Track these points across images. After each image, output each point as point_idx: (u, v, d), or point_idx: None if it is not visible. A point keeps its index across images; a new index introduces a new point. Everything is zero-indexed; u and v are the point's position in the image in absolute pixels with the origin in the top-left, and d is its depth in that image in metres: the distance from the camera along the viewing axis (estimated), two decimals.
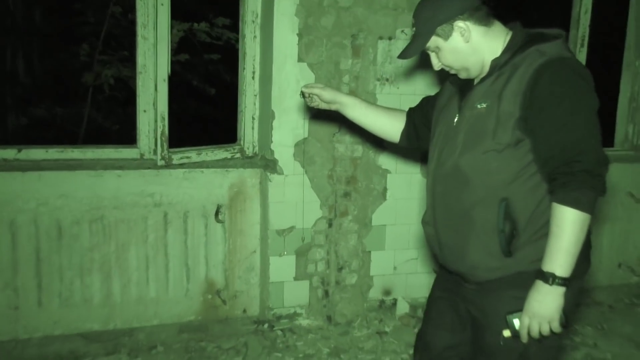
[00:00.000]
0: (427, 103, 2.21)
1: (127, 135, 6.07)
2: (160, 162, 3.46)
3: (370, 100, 3.55)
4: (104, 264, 3.42)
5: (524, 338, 1.75)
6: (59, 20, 5.73)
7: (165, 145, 3.46)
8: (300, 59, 3.43)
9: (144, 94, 3.52)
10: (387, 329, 3.64)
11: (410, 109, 2.27)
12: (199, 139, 3.96)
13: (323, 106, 2.25)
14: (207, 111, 6.86)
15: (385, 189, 3.72)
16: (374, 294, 3.81)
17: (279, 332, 3.53)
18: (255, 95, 3.72)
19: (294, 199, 3.53)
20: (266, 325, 3.57)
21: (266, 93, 3.57)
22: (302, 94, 2.25)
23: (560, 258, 1.64)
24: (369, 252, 3.75)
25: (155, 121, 3.50)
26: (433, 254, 2.07)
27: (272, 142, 3.47)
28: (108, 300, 3.46)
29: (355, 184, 3.66)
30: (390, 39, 3.56)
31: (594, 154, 1.64)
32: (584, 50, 4.42)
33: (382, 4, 3.51)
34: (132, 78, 4.75)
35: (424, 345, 2.16)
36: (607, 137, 4.97)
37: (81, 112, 5.31)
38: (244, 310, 3.73)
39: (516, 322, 1.75)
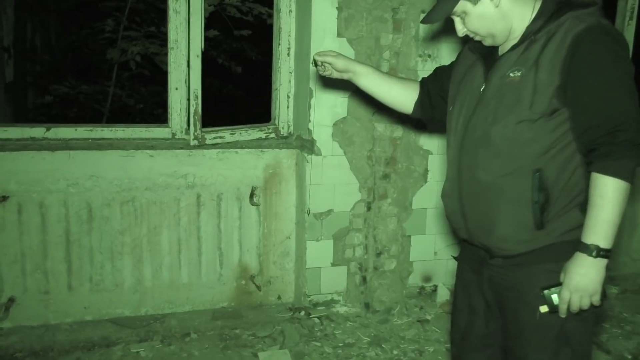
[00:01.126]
0: (443, 72, 2.11)
1: (149, 113, 5.96)
2: (193, 142, 3.32)
3: (412, 77, 3.37)
4: (135, 247, 3.30)
5: (564, 313, 1.68)
6: None
7: (199, 125, 3.31)
8: (339, 34, 3.25)
9: (175, 71, 3.36)
10: (428, 317, 3.49)
11: (424, 79, 2.17)
12: (224, 118, 3.78)
13: (335, 75, 2.14)
14: (230, 90, 6.70)
15: (426, 171, 3.55)
16: (414, 280, 3.66)
17: (316, 320, 3.39)
18: (291, 73, 3.55)
19: (332, 181, 3.38)
20: (303, 313, 3.43)
21: (303, 70, 3.40)
22: (315, 62, 2.13)
23: (604, 229, 1.59)
24: (409, 236, 3.59)
25: (188, 99, 3.36)
26: (454, 228, 1.96)
27: (309, 121, 3.30)
28: (139, 285, 3.35)
29: (395, 166, 3.49)
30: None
31: (635, 123, 1.58)
32: (633, 23, 4.19)
33: None
34: (159, 54, 4.62)
35: (461, 336, 2.04)
36: None
37: (105, 90, 5.17)
38: (279, 297, 3.60)
39: (554, 297, 1.67)
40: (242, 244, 3.48)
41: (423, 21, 1.83)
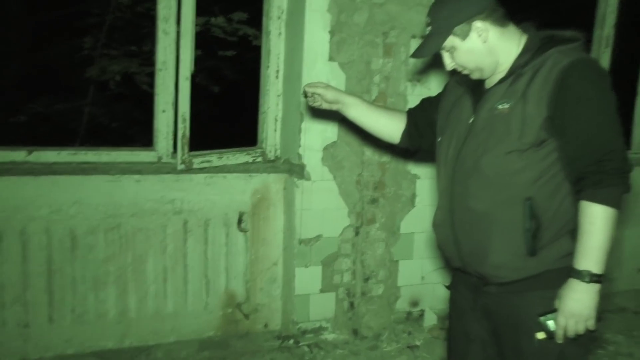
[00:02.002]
0: (430, 104, 2.16)
1: (123, 133, 5.83)
2: (181, 167, 3.23)
3: (401, 102, 3.37)
4: (119, 276, 3.19)
5: (560, 338, 1.72)
6: (55, 11, 5.42)
7: (187, 149, 3.23)
8: (331, 58, 3.23)
9: (163, 93, 3.28)
10: (417, 343, 3.47)
11: (410, 109, 2.23)
12: (203, 141, 3.68)
13: (325, 106, 2.18)
14: (206, 110, 6.59)
15: (414, 195, 3.54)
16: (401, 305, 3.64)
17: (306, 348, 3.33)
18: (279, 96, 3.51)
19: (321, 206, 3.34)
20: (291, 341, 3.37)
21: (292, 94, 3.36)
22: (305, 93, 2.17)
23: (595, 255, 1.64)
24: (397, 261, 3.57)
25: (175, 122, 3.28)
26: (447, 257, 2.00)
27: (300, 145, 3.26)
28: (123, 315, 3.23)
29: (383, 190, 3.47)
30: (423, 37, 3.37)
31: (622, 153, 1.66)
32: (608, 50, 4.29)
33: (416, 1, 3.32)
34: (139, 74, 4.52)
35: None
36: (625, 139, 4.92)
37: (79, 109, 5.03)
38: (266, 325, 3.53)
39: (550, 324, 1.71)
40: (229, 271, 3.40)
41: (413, 55, 1.90)
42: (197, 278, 3.34)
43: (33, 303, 3.06)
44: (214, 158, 3.36)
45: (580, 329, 1.68)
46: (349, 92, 3.24)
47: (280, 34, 3.45)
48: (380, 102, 3.35)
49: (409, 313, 3.66)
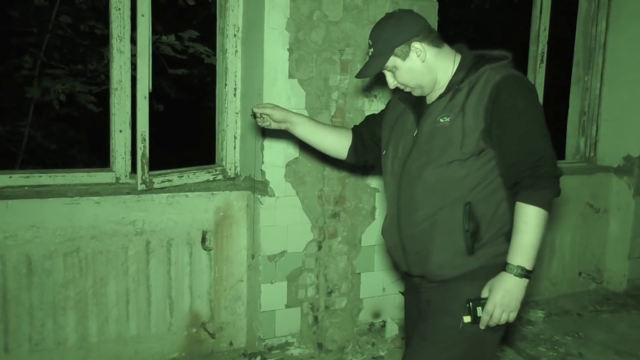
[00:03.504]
0: (374, 119, 2.31)
1: (64, 154, 5.63)
2: (141, 187, 3.18)
3: (359, 117, 3.44)
4: (79, 301, 3.09)
5: (484, 325, 1.84)
6: None
7: (146, 168, 3.18)
8: (290, 75, 3.27)
9: (119, 112, 3.22)
10: (382, 353, 3.52)
11: (355, 126, 2.36)
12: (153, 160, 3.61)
13: (274, 126, 2.28)
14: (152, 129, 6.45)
15: (374, 208, 3.62)
16: (364, 317, 3.69)
17: None
18: (237, 113, 3.51)
19: (285, 222, 3.35)
20: (258, 358, 3.34)
21: (249, 111, 3.36)
22: (253, 114, 2.26)
23: (528, 252, 1.79)
24: (359, 274, 3.62)
25: (132, 142, 3.23)
26: (395, 262, 2.12)
27: (263, 162, 3.27)
28: (84, 341, 3.12)
29: (343, 204, 3.53)
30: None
31: (552, 158, 1.82)
32: (543, 65, 4.56)
33: (369, 19, 3.42)
34: (85, 93, 4.41)
35: None
36: (557, 149, 5.21)
37: (17, 131, 4.82)
38: (231, 343, 3.49)
39: (479, 309, 1.84)
40: (193, 290, 3.35)
41: (357, 76, 2.05)
42: (160, 299, 3.27)
43: None
44: (175, 177, 3.32)
45: (504, 318, 1.82)
46: (309, 107, 3.31)
47: (236, 51, 3.47)
48: (339, 118, 3.42)
49: (372, 324, 3.71)
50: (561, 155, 5.05)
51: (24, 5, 4.67)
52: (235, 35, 3.44)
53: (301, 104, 3.30)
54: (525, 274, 1.79)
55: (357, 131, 2.34)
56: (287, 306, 3.42)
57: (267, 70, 3.22)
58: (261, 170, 3.29)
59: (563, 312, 4.36)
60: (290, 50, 3.25)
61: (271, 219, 3.31)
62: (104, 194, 3.10)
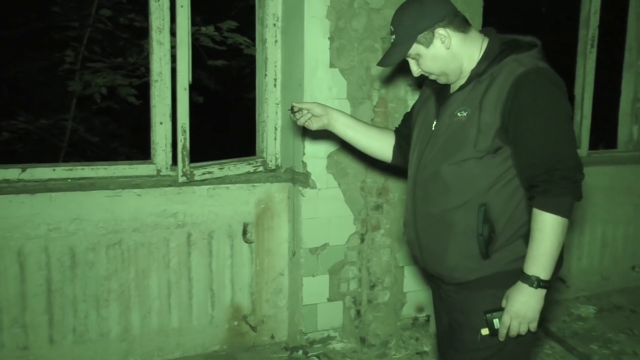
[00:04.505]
0: (410, 116, 2.20)
1: (105, 147, 5.69)
2: (182, 179, 3.16)
3: (402, 107, 3.36)
4: (122, 293, 3.09)
5: (503, 337, 1.79)
6: (32, 24, 5.26)
7: (187, 160, 3.16)
8: (332, 65, 3.20)
9: (160, 105, 3.20)
10: (426, 349, 3.44)
11: (396, 128, 2.26)
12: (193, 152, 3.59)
13: (315, 125, 2.17)
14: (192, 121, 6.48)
15: None
16: (407, 311, 3.60)
17: (315, 359, 3.27)
18: (277, 104, 3.46)
19: (327, 214, 3.29)
20: (300, 352, 3.30)
21: (292, 101, 3.30)
22: (292, 110, 2.16)
23: (543, 262, 1.71)
24: (402, 267, 3.54)
25: (173, 134, 3.21)
26: (413, 257, 2.07)
27: (304, 153, 3.21)
28: (127, 333, 3.13)
29: (386, 196, 3.45)
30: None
31: (572, 161, 1.71)
32: (594, 50, 4.36)
33: None
34: (126, 86, 4.42)
35: (441, 350, 2.14)
36: (610, 138, 5.01)
37: (61, 124, 4.88)
38: (272, 336, 3.46)
39: (496, 322, 1.79)
40: (234, 283, 3.33)
41: (379, 64, 1.93)
42: (202, 291, 3.25)
43: (32, 324, 2.95)
44: (215, 169, 3.29)
45: (523, 329, 1.76)
46: (351, 97, 3.23)
47: (276, 41, 3.41)
48: (382, 108, 3.33)
49: (415, 319, 3.63)
50: (613, 144, 4.85)
51: (65, 0, 4.73)
52: (274, 25, 3.38)
53: (342, 94, 3.22)
54: (541, 284, 1.72)
55: (398, 131, 2.24)
56: (329, 300, 3.37)
57: (308, 60, 3.15)
58: (302, 161, 3.23)
59: (615, 308, 4.20)
60: (331, 39, 3.18)
61: (313, 211, 3.25)
62: (145, 187, 3.09)
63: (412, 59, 1.89)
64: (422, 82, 3.18)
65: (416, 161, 1.94)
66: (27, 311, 2.93)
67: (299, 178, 3.28)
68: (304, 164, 3.23)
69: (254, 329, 3.35)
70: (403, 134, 2.20)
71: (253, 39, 3.65)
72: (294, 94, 3.28)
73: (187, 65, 3.12)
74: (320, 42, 3.16)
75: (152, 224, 3.10)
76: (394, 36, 1.85)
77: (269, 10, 3.37)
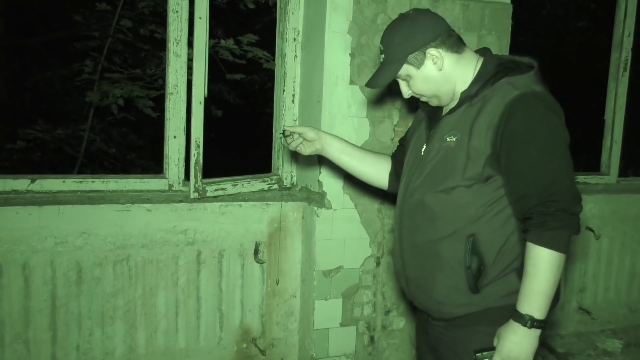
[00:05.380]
0: (405, 141, 2.12)
1: (122, 158, 5.65)
2: (194, 195, 3.07)
3: None
4: (128, 310, 3.00)
5: None
6: (52, 34, 5.28)
7: (200, 176, 3.07)
8: (352, 82, 3.09)
9: (174, 118, 3.13)
10: None
11: (392, 153, 2.20)
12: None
13: (306, 151, 2.08)
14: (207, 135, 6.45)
15: None
16: None
17: None
18: (295, 120, 3.36)
19: (342, 235, 3.17)
20: None
21: (309, 118, 3.22)
22: (283, 133, 2.07)
23: (538, 300, 1.61)
24: None
25: (187, 148, 3.13)
26: (401, 288, 1.99)
27: (320, 172, 3.11)
28: (132, 352, 3.03)
29: None
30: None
31: (569, 193, 1.60)
32: (627, 74, 4.21)
33: None
34: (143, 98, 4.37)
35: None
36: None
37: (77, 134, 4.85)
38: None
39: None
40: (244, 304, 3.22)
41: (367, 85, 1.84)
42: (210, 312, 3.15)
43: (35, 341, 2.86)
44: (229, 185, 3.20)
45: None
46: (370, 116, 3.13)
47: (295, 56, 3.33)
48: (402, 127, 3.21)
49: None
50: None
51: (88, 10, 4.71)
52: (295, 39, 3.30)
53: (362, 112, 3.12)
54: (535, 324, 1.61)
55: (394, 157, 2.15)
56: (341, 325, 3.24)
57: (327, 76, 3.05)
58: (318, 180, 3.12)
59: None
60: (352, 55, 3.08)
61: (327, 232, 3.14)
62: (156, 202, 3.01)
63: (403, 80, 1.80)
64: None
65: (403, 188, 1.86)
66: (30, 327, 2.84)
67: (314, 197, 3.17)
68: (320, 183, 3.12)
69: (263, 352, 3.23)
70: (399, 160, 2.09)
71: (273, 53, 3.57)
72: (312, 111, 3.18)
73: (204, 78, 3.05)
74: (341, 57, 3.06)
75: (161, 241, 3.01)
76: (383, 55, 1.77)
77: (290, 24, 3.29)
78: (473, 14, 3.24)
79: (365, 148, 2.22)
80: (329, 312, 3.20)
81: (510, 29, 3.35)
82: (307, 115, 3.25)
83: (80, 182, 3.04)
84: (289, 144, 2.08)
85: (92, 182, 3.06)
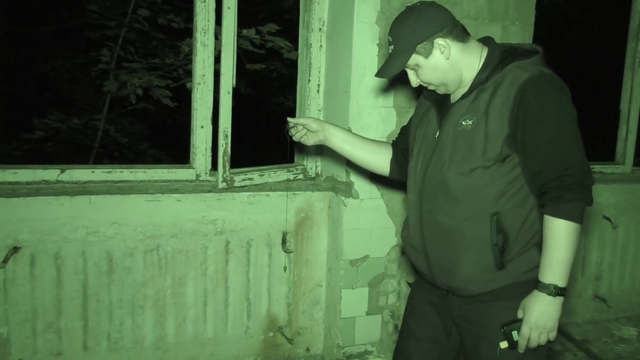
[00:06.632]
0: (407, 130, 2.18)
1: (134, 148, 5.64)
2: (222, 185, 3.08)
3: None
4: (158, 300, 3.01)
5: (522, 349, 1.77)
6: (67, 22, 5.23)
7: (228, 166, 3.08)
8: None
9: (201, 108, 3.13)
10: None
11: (394, 140, 2.25)
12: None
13: (311, 141, 2.16)
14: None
15: None
16: None
17: None
18: (320, 111, 3.37)
19: (369, 225, 3.19)
20: None
21: (335, 108, 3.23)
22: (287, 124, 2.13)
23: (560, 269, 1.69)
24: None
25: (213, 139, 3.14)
26: (419, 272, 2.04)
27: (347, 162, 3.12)
28: (161, 341, 3.05)
29: None
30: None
31: (582, 166, 1.69)
32: None
33: (463, 13, 3.21)
34: (161, 88, 4.37)
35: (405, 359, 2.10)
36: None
37: (92, 124, 4.83)
38: (307, 349, 3.36)
39: (514, 334, 1.76)
40: (271, 293, 3.24)
41: (377, 75, 1.91)
42: (238, 301, 3.17)
43: (67, 330, 2.88)
44: (255, 175, 3.21)
45: (543, 340, 1.74)
46: (397, 106, 3.14)
47: (321, 46, 3.33)
48: None
49: None
50: None
51: None
52: (320, 29, 3.30)
53: (389, 102, 3.13)
54: (558, 291, 1.70)
55: (395, 144, 2.21)
56: (367, 313, 3.27)
57: (355, 66, 3.06)
58: (346, 170, 3.14)
59: None
60: (379, 45, 3.08)
61: (354, 221, 3.16)
62: (185, 192, 3.02)
63: (411, 69, 1.87)
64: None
65: (421, 172, 1.90)
66: (62, 316, 2.86)
67: (340, 187, 3.19)
68: (347, 173, 3.13)
69: (290, 341, 3.26)
70: (400, 147, 2.17)
71: (293, 42, 3.57)
72: (339, 101, 3.19)
73: (232, 68, 3.05)
74: (369, 48, 3.07)
75: (190, 230, 3.02)
76: (392, 47, 1.84)
77: (315, 14, 3.29)
78: (497, 4, 3.25)
79: (367, 137, 2.27)
80: (356, 301, 3.23)
81: (534, 19, 3.36)
82: (333, 105, 3.26)
83: (109, 172, 3.05)
84: (293, 135, 2.14)
85: (121, 172, 3.07)
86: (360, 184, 3.15)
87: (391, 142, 2.24)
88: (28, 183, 2.91)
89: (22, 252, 2.75)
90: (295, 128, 2.12)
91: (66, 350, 2.88)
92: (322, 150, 3.39)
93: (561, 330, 3.88)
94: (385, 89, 3.12)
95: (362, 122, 3.09)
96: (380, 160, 2.19)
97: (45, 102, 5.94)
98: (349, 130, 2.20)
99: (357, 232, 3.17)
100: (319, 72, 3.34)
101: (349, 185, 3.14)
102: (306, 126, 2.12)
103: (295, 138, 2.14)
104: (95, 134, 4.74)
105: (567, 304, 3.98)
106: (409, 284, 2.12)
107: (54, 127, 4.54)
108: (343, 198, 3.14)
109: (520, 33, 3.32)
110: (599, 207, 3.95)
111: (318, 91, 3.35)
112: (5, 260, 2.69)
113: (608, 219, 3.95)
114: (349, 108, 3.08)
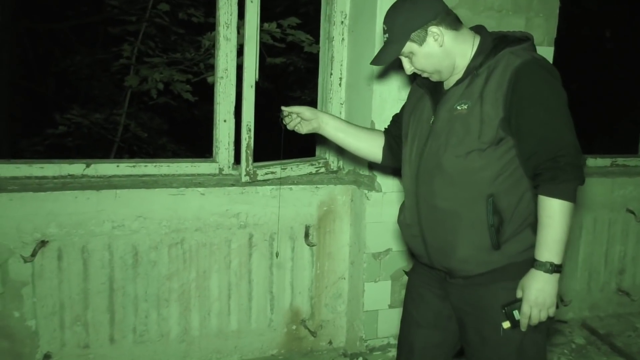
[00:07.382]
0: (399, 117, 2.22)
1: (154, 142, 5.67)
2: (245, 178, 3.09)
3: None
4: (182, 293, 3.04)
5: (525, 327, 1.81)
6: (86, 17, 5.26)
7: (251, 160, 3.09)
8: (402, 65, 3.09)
9: (224, 102, 3.15)
10: None
11: (386, 128, 2.28)
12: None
13: (303, 130, 2.21)
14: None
15: None
16: None
17: None
18: (342, 104, 3.37)
19: (392, 218, 3.17)
20: (360, 359, 3.21)
21: (358, 101, 3.23)
22: (281, 113, 2.18)
23: (556, 247, 1.74)
24: None
25: (237, 132, 3.15)
26: (415, 254, 2.07)
27: None
28: (186, 334, 3.07)
29: None
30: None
31: (574, 147, 1.73)
32: None
33: (487, 5, 3.20)
34: (182, 82, 4.38)
35: (408, 347, 2.14)
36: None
37: (113, 119, 4.86)
38: (330, 342, 3.37)
39: (515, 313, 1.80)
40: (294, 286, 3.25)
41: (372, 63, 1.96)
42: (261, 294, 3.18)
43: (93, 323, 2.91)
44: (278, 169, 3.22)
45: (543, 316, 1.78)
46: None
47: (343, 39, 3.32)
48: None
49: None
50: None
51: None
52: (342, 22, 3.30)
53: None
54: (555, 269, 1.75)
55: (387, 132, 2.25)
56: (390, 306, 3.27)
57: None
58: (369, 164, 3.13)
59: None
60: None
61: (377, 215, 3.16)
62: (208, 185, 3.03)
63: (406, 57, 1.90)
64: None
65: (417, 157, 1.93)
66: (89, 309, 2.89)
67: (363, 180, 3.19)
68: (370, 166, 3.13)
69: (313, 333, 3.27)
70: (393, 135, 2.21)
71: (314, 35, 3.56)
72: (362, 94, 3.18)
73: (255, 62, 3.05)
74: None
75: (214, 224, 3.03)
76: (387, 35, 1.87)
77: (337, 7, 3.28)
78: None
79: (359, 125, 2.32)
80: (378, 294, 3.23)
81: (558, 11, 3.33)
82: (356, 98, 3.26)
83: (134, 166, 3.07)
84: (287, 124, 2.19)
85: (145, 166, 3.09)
86: (383, 177, 3.15)
87: (383, 129, 2.28)
88: (54, 177, 2.94)
89: (49, 245, 2.78)
90: (290, 117, 2.17)
91: (93, 343, 2.92)
92: None
93: (585, 324, 3.86)
94: (408, 83, 3.11)
95: (385, 115, 3.07)
96: (372, 147, 2.23)
97: (64, 98, 5.99)
98: (342, 119, 2.27)
99: (379, 226, 3.17)
100: (341, 65, 3.34)
101: (372, 178, 3.14)
102: (300, 114, 2.17)
103: (290, 127, 2.19)
104: (116, 128, 4.77)
105: (590, 297, 3.96)
106: (405, 272, 2.13)
107: (76, 122, 4.58)
108: (366, 191, 3.14)
109: (544, 25, 3.29)
110: (623, 200, 3.91)
111: (340, 84, 3.35)
112: (34, 254, 2.72)
113: (632, 212, 3.91)
114: (372, 101, 3.07)
